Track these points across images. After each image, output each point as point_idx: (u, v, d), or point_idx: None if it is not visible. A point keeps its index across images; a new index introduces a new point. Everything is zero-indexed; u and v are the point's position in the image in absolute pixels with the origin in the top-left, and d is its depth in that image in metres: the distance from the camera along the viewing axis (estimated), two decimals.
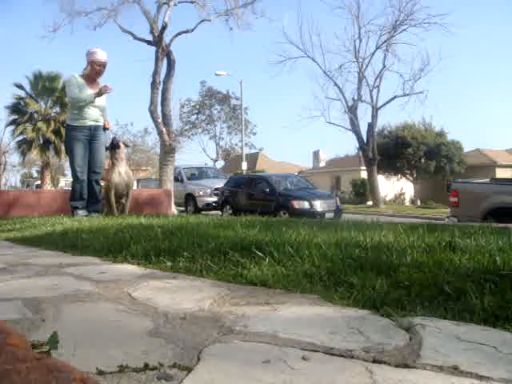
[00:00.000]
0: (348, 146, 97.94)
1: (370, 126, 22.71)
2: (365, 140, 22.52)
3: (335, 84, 23.27)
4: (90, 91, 5.24)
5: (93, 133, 5.33)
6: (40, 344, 1.00)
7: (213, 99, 37.60)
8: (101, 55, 5.29)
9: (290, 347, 1.04)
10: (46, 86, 24.17)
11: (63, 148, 24.82)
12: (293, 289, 1.59)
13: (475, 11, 57.70)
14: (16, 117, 24.37)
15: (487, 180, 8.60)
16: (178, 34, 11.90)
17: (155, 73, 11.26)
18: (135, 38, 12.05)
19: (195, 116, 37.64)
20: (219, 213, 12.35)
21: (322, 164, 39.98)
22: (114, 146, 5.58)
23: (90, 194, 5.35)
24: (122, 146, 5.67)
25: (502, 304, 1.27)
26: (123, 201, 5.66)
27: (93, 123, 5.32)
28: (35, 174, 48.26)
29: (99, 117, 5.41)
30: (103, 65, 5.32)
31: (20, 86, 24.18)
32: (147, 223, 3.68)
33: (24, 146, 24.39)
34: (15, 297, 1.58)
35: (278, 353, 1.01)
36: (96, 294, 1.64)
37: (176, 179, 13.48)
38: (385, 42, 22.33)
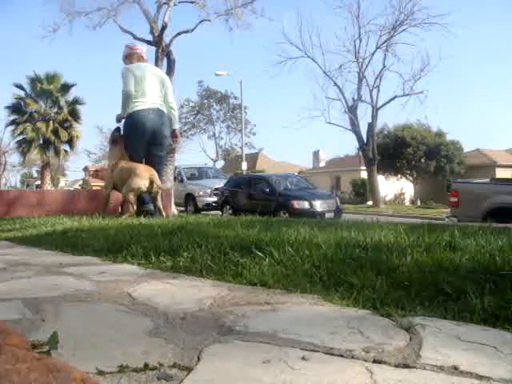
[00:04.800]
0: (348, 145, 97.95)
1: (370, 126, 22.71)
2: (365, 140, 22.52)
3: (335, 84, 23.30)
4: None
5: None
6: (40, 344, 1.00)
7: (211, 99, 37.59)
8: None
9: (290, 347, 1.04)
10: (45, 86, 24.20)
11: (62, 148, 24.98)
12: (293, 289, 1.59)
13: (475, 11, 57.77)
14: (16, 117, 24.40)
15: (487, 180, 8.60)
16: (178, 34, 11.89)
17: None
18: (135, 38, 12.03)
19: (193, 117, 37.63)
20: (219, 213, 12.34)
21: (322, 164, 39.96)
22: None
23: None
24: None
25: (502, 304, 1.27)
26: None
27: None
28: (35, 174, 48.31)
29: None
30: None
31: (20, 86, 24.21)
32: (147, 223, 3.68)
33: (24, 146, 24.41)
34: (15, 297, 1.58)
35: (278, 353, 1.01)
36: (96, 293, 1.64)
37: (176, 179, 13.47)
38: (385, 42, 22.36)
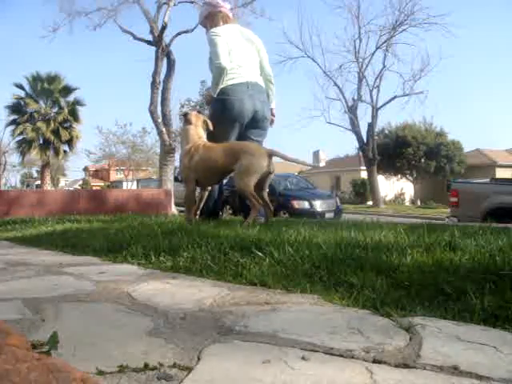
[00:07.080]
0: (348, 146, 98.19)
1: (370, 126, 22.73)
2: (365, 140, 22.55)
3: (335, 84, 23.36)
4: None
5: None
6: (40, 344, 1.00)
7: None
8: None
9: (290, 347, 1.04)
10: (45, 85, 24.23)
11: (62, 148, 25.00)
12: (293, 289, 1.59)
13: (475, 11, 57.81)
14: (16, 117, 24.42)
15: (487, 180, 8.61)
16: (178, 34, 11.91)
17: (155, 73, 11.27)
18: (135, 38, 12.06)
19: None
20: (219, 213, 12.32)
21: (322, 164, 39.94)
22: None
23: None
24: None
25: (502, 304, 1.26)
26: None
27: None
28: (35, 174, 48.33)
29: None
30: None
31: (20, 86, 24.22)
32: (147, 223, 3.68)
33: (24, 146, 24.42)
34: (15, 297, 1.57)
35: (278, 353, 1.01)
36: (96, 293, 1.63)
37: (176, 179, 13.47)
38: (385, 42, 22.41)
